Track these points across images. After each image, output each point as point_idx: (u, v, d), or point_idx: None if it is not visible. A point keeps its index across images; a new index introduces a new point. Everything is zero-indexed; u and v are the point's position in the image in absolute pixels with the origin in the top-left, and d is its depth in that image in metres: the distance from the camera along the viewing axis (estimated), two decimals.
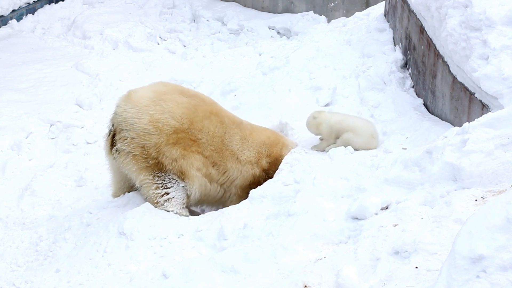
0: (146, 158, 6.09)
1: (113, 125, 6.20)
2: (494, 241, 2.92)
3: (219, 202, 6.62)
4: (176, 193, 6.22)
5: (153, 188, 6.17)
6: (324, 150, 6.53)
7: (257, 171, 6.56)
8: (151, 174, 6.14)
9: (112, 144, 6.19)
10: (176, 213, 6.16)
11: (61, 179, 8.17)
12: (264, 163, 6.59)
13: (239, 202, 6.28)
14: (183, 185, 6.23)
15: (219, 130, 6.35)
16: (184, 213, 6.22)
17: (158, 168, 6.14)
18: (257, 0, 14.40)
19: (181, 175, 6.19)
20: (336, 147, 6.43)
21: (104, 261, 5.63)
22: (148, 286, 4.77)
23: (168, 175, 6.17)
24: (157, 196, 6.16)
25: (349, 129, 6.44)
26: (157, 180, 6.16)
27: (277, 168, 6.47)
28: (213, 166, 6.36)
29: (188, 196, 6.31)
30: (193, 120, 6.20)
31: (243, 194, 6.42)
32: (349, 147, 6.36)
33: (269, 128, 6.99)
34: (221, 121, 6.39)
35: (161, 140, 6.08)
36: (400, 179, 4.79)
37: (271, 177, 6.43)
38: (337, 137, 6.51)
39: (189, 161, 6.20)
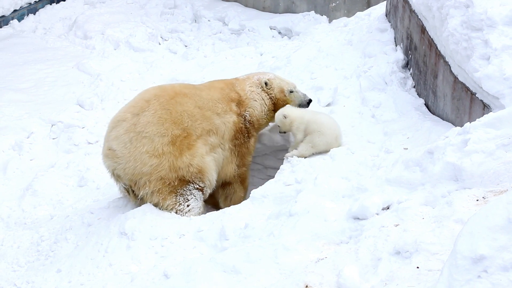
0: (169, 183, 6.24)
1: (124, 184, 6.35)
2: (495, 241, 2.92)
3: (221, 170, 6.80)
4: (195, 203, 6.38)
5: (176, 207, 6.30)
6: (304, 155, 6.56)
7: (234, 117, 6.82)
8: (174, 196, 6.29)
9: (135, 195, 6.36)
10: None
11: (62, 179, 8.19)
12: (234, 107, 6.86)
13: (230, 157, 6.76)
14: (202, 185, 6.41)
15: (190, 103, 6.50)
16: None
17: (181, 184, 6.29)
18: (258, 0, 14.40)
19: (199, 173, 6.36)
20: (306, 146, 6.57)
21: (105, 261, 5.63)
22: (149, 286, 4.77)
23: (188, 187, 6.33)
24: (181, 212, 6.30)
25: (318, 129, 6.58)
26: (179, 199, 6.30)
27: (246, 108, 6.92)
28: (209, 135, 6.55)
29: (205, 193, 6.51)
30: (174, 120, 6.32)
31: (232, 146, 6.79)
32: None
33: (217, 80, 7.29)
34: (185, 94, 6.55)
35: (171, 160, 6.22)
36: (401, 179, 4.78)
37: (247, 120, 6.89)
38: (305, 134, 6.67)
39: (197, 154, 6.36)
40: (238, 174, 6.94)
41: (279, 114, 6.80)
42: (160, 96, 6.40)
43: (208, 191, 6.54)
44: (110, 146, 6.28)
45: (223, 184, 6.97)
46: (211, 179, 6.51)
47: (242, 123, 6.87)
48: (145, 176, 6.19)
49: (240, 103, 6.91)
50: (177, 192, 6.28)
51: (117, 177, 6.33)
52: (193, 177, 6.32)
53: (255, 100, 7.03)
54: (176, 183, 6.25)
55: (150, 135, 6.18)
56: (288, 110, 6.80)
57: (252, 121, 6.98)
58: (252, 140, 6.98)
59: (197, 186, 6.37)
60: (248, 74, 7.36)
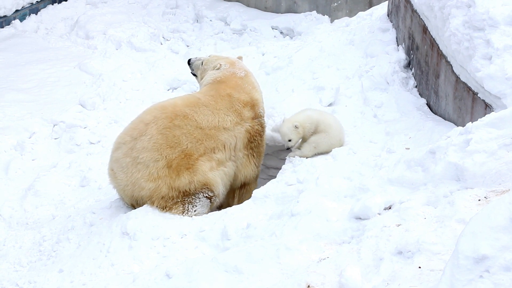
0: (172, 199, 6.23)
1: (127, 203, 6.52)
2: (497, 241, 2.92)
3: (240, 174, 6.74)
4: (202, 209, 6.36)
5: (184, 213, 6.29)
6: (306, 156, 6.55)
7: (247, 125, 6.66)
8: (181, 205, 6.28)
9: None
10: None
11: (64, 179, 8.18)
12: (247, 113, 6.69)
13: (248, 161, 6.64)
14: (211, 194, 6.37)
15: (190, 125, 6.34)
16: None
17: (187, 195, 6.28)
18: (260, 0, 14.40)
19: (205, 186, 6.32)
20: (309, 146, 6.56)
21: (107, 261, 5.63)
22: (151, 286, 4.77)
23: (198, 195, 6.32)
24: (189, 216, 6.29)
25: (325, 130, 6.56)
26: (187, 207, 6.29)
27: (260, 103, 6.78)
28: (214, 152, 6.42)
29: (213, 202, 6.47)
30: (170, 144, 6.23)
31: (248, 152, 6.67)
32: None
33: (220, 85, 6.88)
34: (185, 116, 6.36)
35: (168, 182, 6.21)
36: (403, 179, 4.78)
37: (262, 115, 6.80)
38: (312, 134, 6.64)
39: (198, 171, 6.30)
40: (256, 174, 6.89)
41: (289, 127, 6.56)
42: (159, 119, 6.28)
43: (216, 200, 6.50)
44: (111, 167, 6.44)
45: (241, 186, 6.89)
46: (219, 191, 6.45)
47: (258, 124, 6.74)
48: (146, 198, 6.24)
49: (254, 104, 6.75)
50: (184, 201, 6.26)
51: (120, 196, 6.53)
52: (199, 189, 6.29)
53: (261, 91, 7.00)
54: (180, 198, 6.25)
55: (144, 161, 6.17)
56: (294, 119, 6.64)
57: (264, 112, 6.91)
58: (264, 136, 6.91)
59: (206, 195, 6.34)
60: (240, 66, 7.10)
